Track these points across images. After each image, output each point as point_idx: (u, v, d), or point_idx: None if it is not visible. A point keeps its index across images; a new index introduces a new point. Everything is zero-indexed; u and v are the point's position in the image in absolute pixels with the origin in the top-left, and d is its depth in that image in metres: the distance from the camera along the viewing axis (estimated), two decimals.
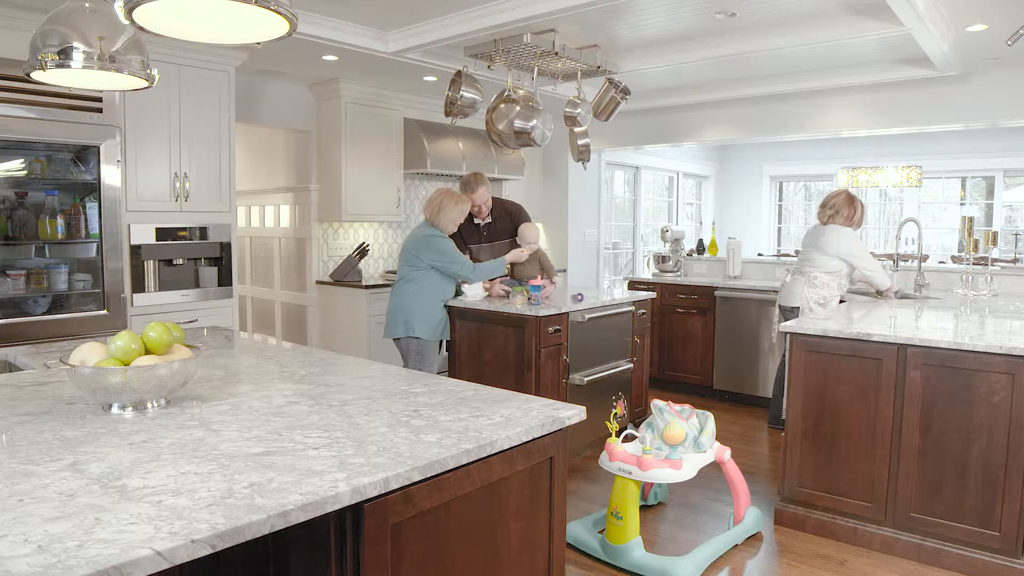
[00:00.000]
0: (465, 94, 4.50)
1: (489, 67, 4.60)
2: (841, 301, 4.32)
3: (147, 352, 1.71)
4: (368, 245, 5.69)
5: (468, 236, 4.32)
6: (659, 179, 9.31)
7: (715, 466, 3.28)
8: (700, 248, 6.47)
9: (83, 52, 1.93)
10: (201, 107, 4.34)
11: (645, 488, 3.48)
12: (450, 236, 4.27)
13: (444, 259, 3.85)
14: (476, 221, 4.31)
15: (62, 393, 1.84)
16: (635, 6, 3.83)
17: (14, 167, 3.69)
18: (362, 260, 5.70)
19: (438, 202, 3.90)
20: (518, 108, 4.61)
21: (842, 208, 4.31)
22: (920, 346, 2.86)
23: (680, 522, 3.33)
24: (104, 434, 1.49)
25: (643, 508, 3.44)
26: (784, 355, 4.25)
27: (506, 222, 4.36)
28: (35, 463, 1.31)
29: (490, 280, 4.22)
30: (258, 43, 1.81)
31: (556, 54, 4.32)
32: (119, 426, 1.55)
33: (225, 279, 4.51)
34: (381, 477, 1.27)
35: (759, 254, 8.49)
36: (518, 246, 4.29)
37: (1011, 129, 7.16)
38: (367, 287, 5.29)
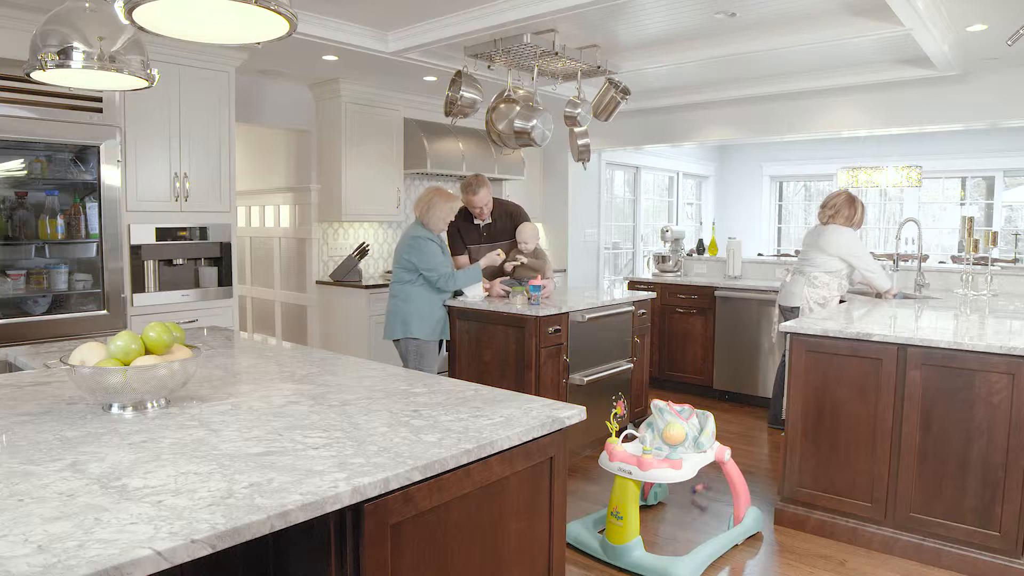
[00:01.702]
0: (465, 94, 4.50)
1: (489, 67, 4.60)
2: (841, 301, 4.32)
3: (147, 352, 1.71)
4: (368, 245, 5.69)
5: (468, 236, 4.33)
6: (659, 179, 9.31)
7: (715, 466, 3.28)
8: (700, 248, 6.47)
9: (83, 52, 1.93)
10: (201, 107, 4.34)
11: (645, 488, 3.48)
12: (450, 236, 4.27)
13: (422, 264, 3.84)
14: (476, 222, 4.32)
15: (62, 393, 1.84)
16: (635, 6, 3.83)
17: (14, 167, 3.69)
18: (362, 260, 5.69)
19: (427, 200, 3.89)
20: (518, 108, 4.61)
21: (842, 208, 4.31)
22: (920, 346, 2.86)
23: (680, 522, 3.33)
24: (104, 434, 1.49)
25: (643, 508, 3.44)
26: (784, 355, 4.25)
27: (506, 223, 4.36)
28: (35, 463, 1.31)
29: (489, 280, 4.22)
30: (258, 43, 1.81)
31: (556, 54, 4.32)
32: (119, 426, 1.55)
33: (225, 279, 4.51)
34: (381, 477, 1.27)
35: (759, 254, 8.49)
36: (517, 247, 4.29)
37: (1011, 129, 7.16)
38: (367, 287, 5.29)
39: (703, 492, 3.63)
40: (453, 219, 4.20)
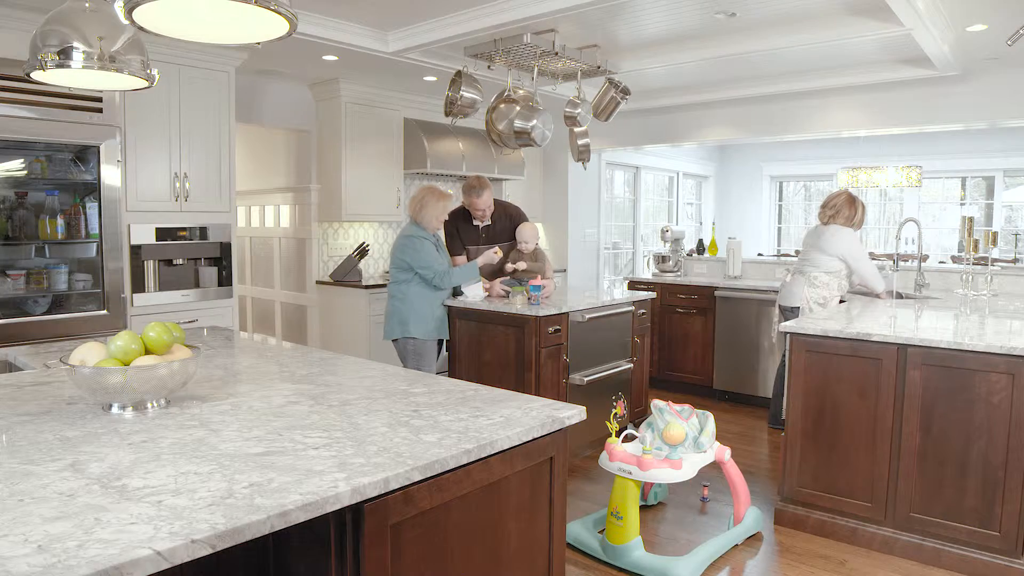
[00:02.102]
0: (465, 94, 4.50)
1: (489, 67, 4.60)
2: (841, 301, 4.32)
3: (147, 352, 1.71)
4: (368, 245, 5.69)
5: (467, 237, 4.32)
6: (659, 179, 9.31)
7: (715, 466, 3.28)
8: (700, 248, 6.47)
9: (83, 52, 1.93)
10: (201, 107, 4.34)
11: (645, 488, 3.48)
12: (448, 237, 4.27)
13: (417, 263, 3.84)
14: (475, 223, 4.32)
15: (62, 393, 1.84)
16: (635, 6, 3.83)
17: (14, 167, 3.69)
18: (362, 260, 5.70)
19: (420, 199, 3.90)
20: (518, 108, 4.61)
21: (843, 208, 4.32)
22: (920, 346, 2.86)
23: (680, 522, 3.33)
24: (104, 434, 1.49)
25: (643, 508, 3.44)
26: (784, 355, 4.25)
27: (505, 224, 4.36)
28: (35, 463, 1.31)
29: (489, 280, 4.22)
30: (258, 43, 1.81)
31: (556, 54, 4.32)
32: (119, 426, 1.55)
33: (225, 279, 4.52)
34: (381, 477, 1.27)
35: (759, 254, 8.49)
36: (517, 247, 4.29)
37: (1011, 129, 7.16)
38: (367, 287, 5.29)
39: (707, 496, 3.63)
40: (452, 220, 4.19)
